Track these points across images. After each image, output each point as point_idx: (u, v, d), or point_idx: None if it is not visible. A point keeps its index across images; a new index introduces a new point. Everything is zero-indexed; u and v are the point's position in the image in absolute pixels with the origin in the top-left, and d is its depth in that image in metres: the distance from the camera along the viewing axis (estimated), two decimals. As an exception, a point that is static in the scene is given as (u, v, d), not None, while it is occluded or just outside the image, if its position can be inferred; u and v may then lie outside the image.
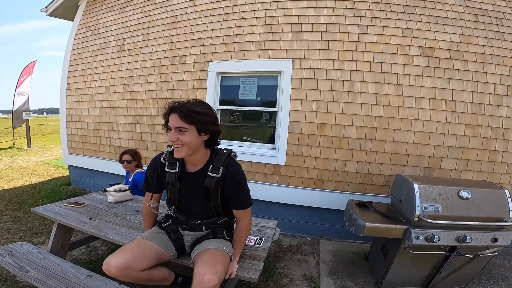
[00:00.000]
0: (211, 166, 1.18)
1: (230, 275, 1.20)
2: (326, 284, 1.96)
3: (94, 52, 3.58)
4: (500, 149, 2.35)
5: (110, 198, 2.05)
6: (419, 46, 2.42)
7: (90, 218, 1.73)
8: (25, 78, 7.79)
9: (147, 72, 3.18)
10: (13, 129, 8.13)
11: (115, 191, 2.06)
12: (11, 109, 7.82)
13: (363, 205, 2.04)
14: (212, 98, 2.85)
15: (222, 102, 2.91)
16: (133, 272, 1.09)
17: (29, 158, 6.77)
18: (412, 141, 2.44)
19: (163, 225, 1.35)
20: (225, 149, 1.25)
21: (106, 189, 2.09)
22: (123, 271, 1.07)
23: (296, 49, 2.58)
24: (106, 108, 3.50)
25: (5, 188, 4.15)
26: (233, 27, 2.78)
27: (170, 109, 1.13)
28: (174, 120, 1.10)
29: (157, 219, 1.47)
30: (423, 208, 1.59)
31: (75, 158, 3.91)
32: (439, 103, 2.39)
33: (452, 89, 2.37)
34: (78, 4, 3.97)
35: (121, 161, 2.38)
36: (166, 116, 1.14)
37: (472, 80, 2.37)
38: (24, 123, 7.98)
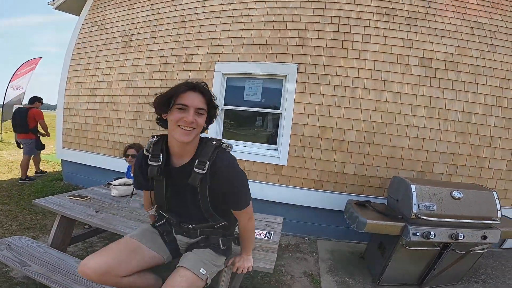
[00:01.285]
0: (197, 160, 0.99)
1: (245, 269, 1.17)
2: (326, 280, 2.03)
3: (99, 47, 3.57)
4: (487, 155, 2.53)
5: (114, 192, 2.04)
6: (418, 57, 2.58)
7: (96, 211, 1.71)
8: (23, 73, 7.61)
9: (152, 69, 3.19)
10: (1, 122, 7.82)
11: (119, 185, 2.06)
12: (2, 102, 7.58)
13: (362, 205, 2.14)
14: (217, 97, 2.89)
15: (226, 102, 2.97)
16: (113, 278, 0.97)
17: (17, 152, 6.51)
18: (407, 146, 2.57)
19: (156, 224, 1.21)
20: (215, 139, 1.05)
21: (111, 182, 2.08)
22: (102, 276, 0.95)
23: (302, 54, 2.68)
24: (107, 103, 3.47)
25: (-7, 181, 4.00)
26: (242, 29, 2.86)
27: (191, 87, 0.95)
28: (198, 100, 0.95)
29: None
30: (420, 207, 1.70)
31: (70, 152, 3.82)
32: (433, 111, 2.55)
33: (446, 98, 2.54)
34: (85, -2, 3.95)
35: (125, 155, 2.37)
36: (179, 93, 0.94)
37: (464, 90, 2.54)
38: (14, 117, 7.72)
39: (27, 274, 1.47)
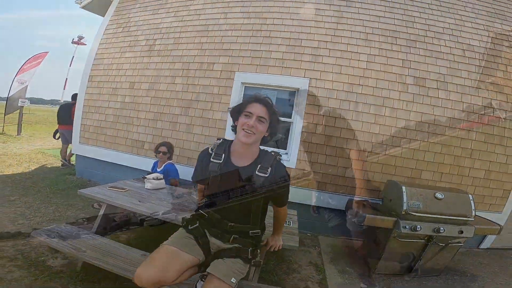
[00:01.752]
0: (259, 166, 1.21)
1: (277, 247, 1.46)
2: (329, 269, 2.36)
3: (123, 48, 3.76)
4: (468, 165, 2.92)
5: (148, 185, 2.29)
6: (414, 76, 2.94)
7: (139, 201, 1.94)
8: (30, 67, 7.64)
9: (174, 73, 3.43)
10: (5, 115, 7.83)
11: (153, 179, 2.32)
12: (4, 96, 7.62)
13: (361, 203, 2.50)
14: (235, 105, 3.17)
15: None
16: (163, 283, 1.14)
17: (22, 146, 6.55)
18: (400, 155, 2.93)
19: (190, 227, 1.31)
20: (273, 151, 1.28)
21: (146, 176, 2.34)
22: (155, 285, 1.12)
23: (313, 70, 3.01)
24: (128, 102, 3.67)
25: (5, 173, 4.04)
26: (260, 43, 3.16)
27: (257, 99, 1.21)
28: (260, 109, 1.19)
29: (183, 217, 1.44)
30: (409, 204, 2.07)
31: (87, 148, 3.95)
32: (423, 126, 2.92)
33: (435, 115, 2.92)
34: (111, 0, 4.11)
35: (157, 151, 2.62)
36: (247, 104, 1.21)
37: (451, 108, 2.92)
38: (18, 110, 7.76)
39: (84, 259, 1.60)
